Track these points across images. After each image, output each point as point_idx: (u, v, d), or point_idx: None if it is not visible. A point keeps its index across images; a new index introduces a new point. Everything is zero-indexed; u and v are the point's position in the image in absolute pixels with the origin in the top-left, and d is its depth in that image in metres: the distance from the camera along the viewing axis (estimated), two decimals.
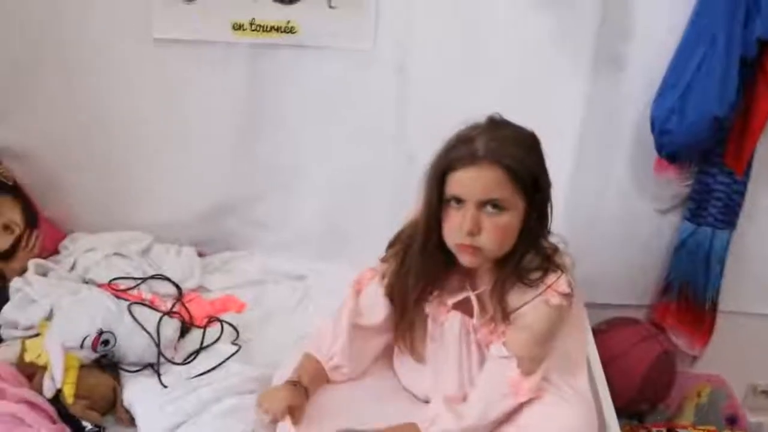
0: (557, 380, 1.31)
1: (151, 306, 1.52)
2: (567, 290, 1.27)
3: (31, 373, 1.42)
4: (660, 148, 1.69)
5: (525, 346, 1.28)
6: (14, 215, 1.86)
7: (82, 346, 1.40)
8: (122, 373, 1.45)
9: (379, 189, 1.87)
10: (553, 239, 1.33)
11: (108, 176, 1.89)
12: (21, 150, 1.87)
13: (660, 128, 1.65)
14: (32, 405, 1.32)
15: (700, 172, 1.77)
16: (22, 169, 1.89)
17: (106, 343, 1.42)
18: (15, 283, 1.55)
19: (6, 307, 1.49)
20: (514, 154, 1.20)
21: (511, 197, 1.21)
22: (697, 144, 1.64)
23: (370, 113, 1.80)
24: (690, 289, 1.88)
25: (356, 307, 1.42)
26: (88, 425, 1.33)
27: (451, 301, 1.35)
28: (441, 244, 1.28)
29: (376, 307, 1.40)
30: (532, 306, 1.27)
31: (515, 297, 1.29)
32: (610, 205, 1.83)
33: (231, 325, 1.62)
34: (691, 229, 1.82)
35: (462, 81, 1.73)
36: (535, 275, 1.27)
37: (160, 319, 1.47)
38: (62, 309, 1.46)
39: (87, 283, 1.63)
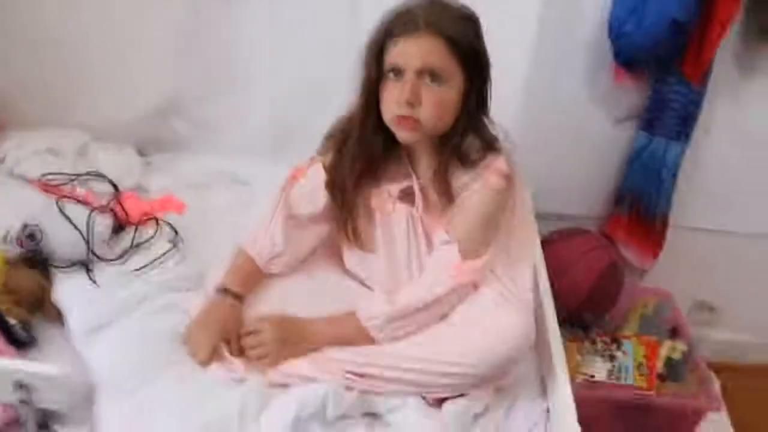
0: (500, 274, 1.30)
1: (83, 202, 1.45)
2: (507, 169, 1.26)
3: None
4: (617, 52, 1.64)
5: (465, 229, 1.27)
6: None
7: (5, 241, 1.34)
8: (53, 270, 1.40)
9: (334, 89, 1.79)
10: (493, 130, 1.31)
11: (42, 67, 1.77)
12: None
13: (617, 31, 1.59)
14: None
15: (657, 81, 1.72)
16: None
17: (32, 237, 1.36)
18: None
19: None
20: (454, 26, 1.20)
21: (450, 68, 1.20)
22: (654, 48, 1.58)
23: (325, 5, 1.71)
24: (642, 202, 1.88)
25: (292, 197, 1.39)
26: (13, 321, 1.29)
27: (395, 190, 1.33)
28: (380, 125, 1.26)
29: (315, 196, 1.37)
30: (473, 189, 1.27)
31: (456, 180, 1.28)
32: (565, 111, 1.79)
33: (169, 224, 1.57)
34: (645, 140, 1.79)
35: None
36: (475, 156, 1.26)
37: (90, 214, 1.41)
38: None
39: (15, 178, 1.55)
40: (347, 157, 1.31)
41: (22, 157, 1.60)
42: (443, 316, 1.28)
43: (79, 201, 1.45)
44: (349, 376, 1.23)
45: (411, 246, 1.36)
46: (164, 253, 1.45)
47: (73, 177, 1.60)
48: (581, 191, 1.94)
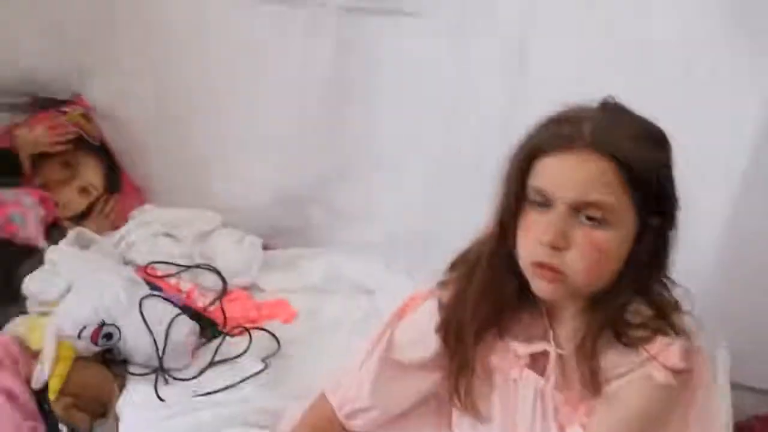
0: None
1: (172, 301, 1.30)
2: (680, 365, 0.86)
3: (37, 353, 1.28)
4: None
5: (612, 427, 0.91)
6: (94, 178, 1.77)
7: (80, 337, 1.22)
8: (129, 375, 1.27)
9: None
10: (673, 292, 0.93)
11: (185, 143, 1.74)
12: (106, 109, 1.77)
13: None
14: (10, 395, 1.16)
15: None
16: (110, 130, 1.80)
17: (108, 336, 1.23)
18: (49, 252, 1.42)
19: (30, 277, 1.36)
20: (631, 148, 0.84)
21: (618, 206, 0.84)
22: None
23: (477, 95, 1.46)
24: None
25: (394, 338, 1.09)
26: (64, 428, 1.15)
27: (525, 352, 0.99)
28: (514, 264, 0.92)
29: (425, 339, 1.05)
30: (628, 379, 0.89)
31: (609, 361, 0.90)
32: None
33: (273, 335, 1.38)
34: None
35: (595, 68, 1.32)
36: (640, 334, 0.88)
37: (173, 319, 1.25)
38: (75, 290, 1.30)
39: (127, 263, 1.47)
40: (471, 297, 1.00)
41: (139, 239, 1.51)
42: None
43: (169, 300, 1.30)
44: None
45: (535, 426, 1.01)
46: (250, 376, 1.25)
47: (183, 268, 1.48)
48: None
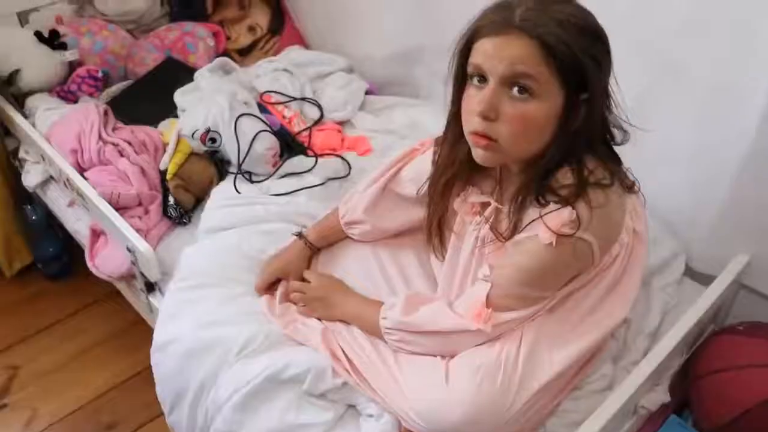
0: (530, 346, 1.09)
1: (264, 121, 1.65)
2: (562, 230, 1.00)
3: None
4: None
5: (501, 275, 1.09)
6: (261, 19, 2.14)
7: (192, 137, 1.64)
8: (226, 172, 1.66)
9: None
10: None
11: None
12: None
13: None
14: (143, 170, 1.63)
15: None
16: None
17: (213, 140, 1.63)
18: (198, 73, 1.84)
19: (177, 91, 1.80)
20: (556, 32, 0.95)
21: (543, 80, 0.96)
22: None
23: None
24: None
25: (400, 173, 1.33)
26: (172, 200, 1.60)
27: (475, 201, 1.18)
28: None
29: (419, 180, 1.28)
30: (525, 234, 1.05)
31: (527, 216, 1.06)
32: None
33: (344, 159, 1.68)
34: None
35: None
36: (549, 197, 1.02)
37: (257, 133, 1.60)
38: (198, 103, 1.70)
39: (252, 90, 1.82)
40: (441, 156, 1.20)
41: (264, 72, 1.86)
42: (452, 353, 1.14)
43: (262, 121, 1.65)
44: (337, 364, 1.20)
45: (471, 265, 1.20)
46: (305, 188, 1.57)
47: (291, 99, 1.80)
48: None
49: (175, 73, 1.90)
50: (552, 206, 1.01)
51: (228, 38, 2.10)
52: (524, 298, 1.08)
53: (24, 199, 1.97)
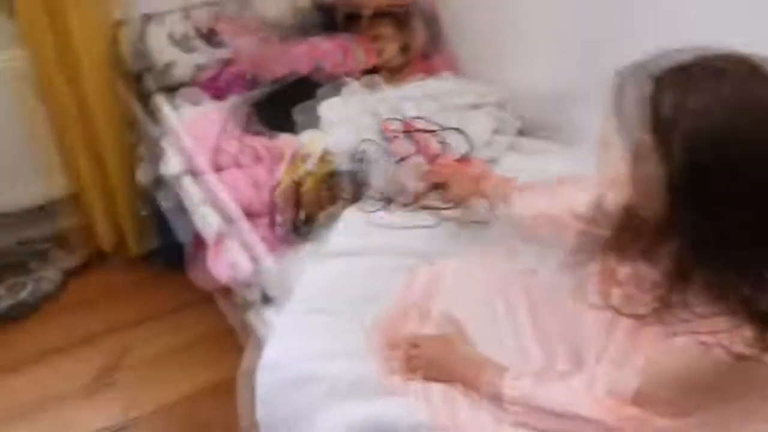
0: None
1: (405, 152, 1.57)
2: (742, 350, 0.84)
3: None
4: None
5: (652, 372, 0.94)
6: (415, 40, 2.07)
7: (337, 153, 1.58)
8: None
9: None
10: None
11: (493, 28, 1.90)
12: None
13: None
14: (256, 182, 1.60)
15: None
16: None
17: (360, 160, 1.57)
18: (346, 88, 1.79)
19: (324, 104, 1.75)
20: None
21: None
22: None
23: None
24: None
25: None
26: (279, 218, 1.54)
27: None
28: None
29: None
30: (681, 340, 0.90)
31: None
32: None
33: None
34: None
35: None
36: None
37: (397, 161, 1.53)
38: (348, 119, 1.66)
39: (395, 112, 1.74)
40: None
41: (411, 96, 1.78)
42: None
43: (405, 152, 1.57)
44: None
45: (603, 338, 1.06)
46: (415, 227, 1.48)
47: (438, 128, 1.71)
48: None
49: (319, 84, 1.88)
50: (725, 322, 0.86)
51: (379, 55, 2.05)
52: (664, 404, 0.93)
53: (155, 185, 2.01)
